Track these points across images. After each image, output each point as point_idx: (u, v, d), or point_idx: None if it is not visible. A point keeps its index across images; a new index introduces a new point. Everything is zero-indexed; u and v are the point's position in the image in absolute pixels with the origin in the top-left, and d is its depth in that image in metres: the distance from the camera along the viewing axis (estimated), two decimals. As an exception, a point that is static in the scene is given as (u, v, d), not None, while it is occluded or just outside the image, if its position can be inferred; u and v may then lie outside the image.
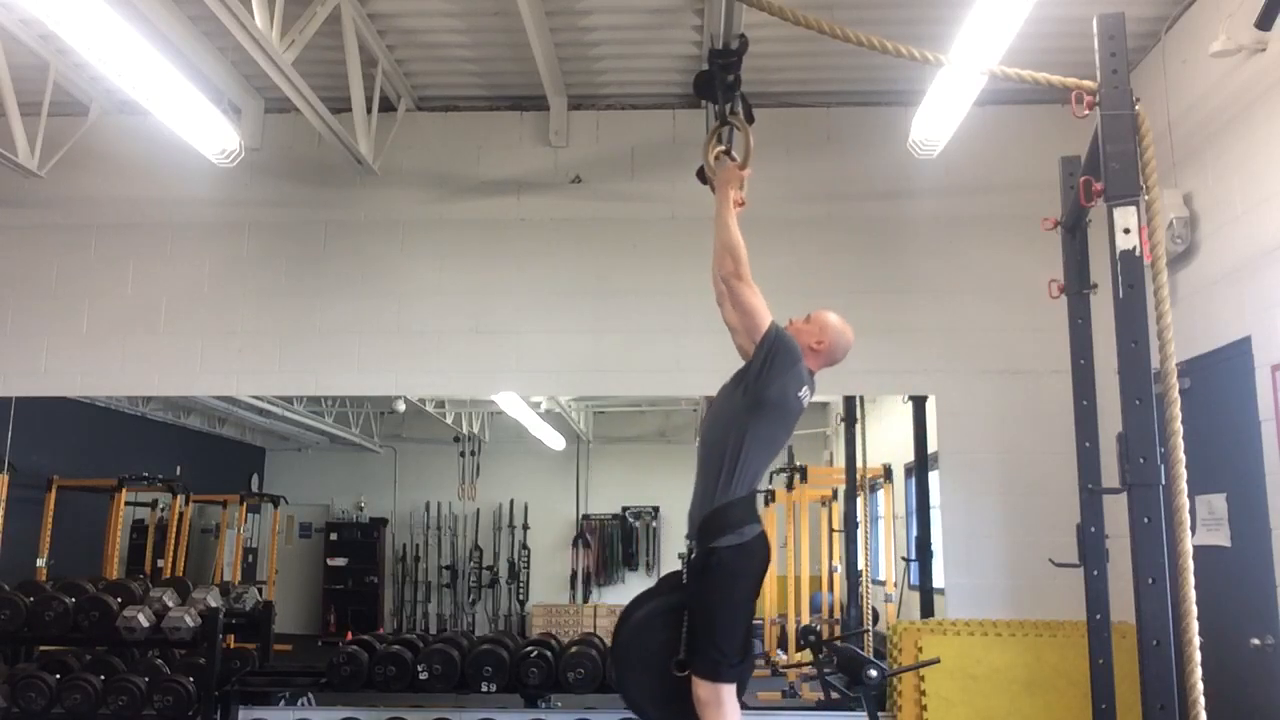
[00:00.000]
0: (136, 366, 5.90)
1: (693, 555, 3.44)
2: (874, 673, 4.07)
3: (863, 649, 5.73)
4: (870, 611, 6.88)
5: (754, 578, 3.42)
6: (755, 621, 3.48)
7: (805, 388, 3.46)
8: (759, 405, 3.35)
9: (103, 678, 4.96)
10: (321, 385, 6.02)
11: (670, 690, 3.41)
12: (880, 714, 4.47)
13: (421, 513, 9.57)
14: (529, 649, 4.94)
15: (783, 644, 7.52)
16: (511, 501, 9.42)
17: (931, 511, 5.99)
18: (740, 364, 3.55)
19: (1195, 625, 2.60)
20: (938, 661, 4.66)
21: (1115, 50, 2.86)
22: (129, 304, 5.96)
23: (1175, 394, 2.72)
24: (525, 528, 9.45)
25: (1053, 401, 4.76)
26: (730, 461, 3.35)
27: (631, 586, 8.74)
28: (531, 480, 9.36)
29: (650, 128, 5.98)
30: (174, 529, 7.84)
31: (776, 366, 3.35)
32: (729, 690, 3.32)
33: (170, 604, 5.08)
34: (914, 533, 6.32)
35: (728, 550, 3.33)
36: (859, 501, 7.05)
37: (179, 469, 8.10)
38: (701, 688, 3.32)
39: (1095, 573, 3.65)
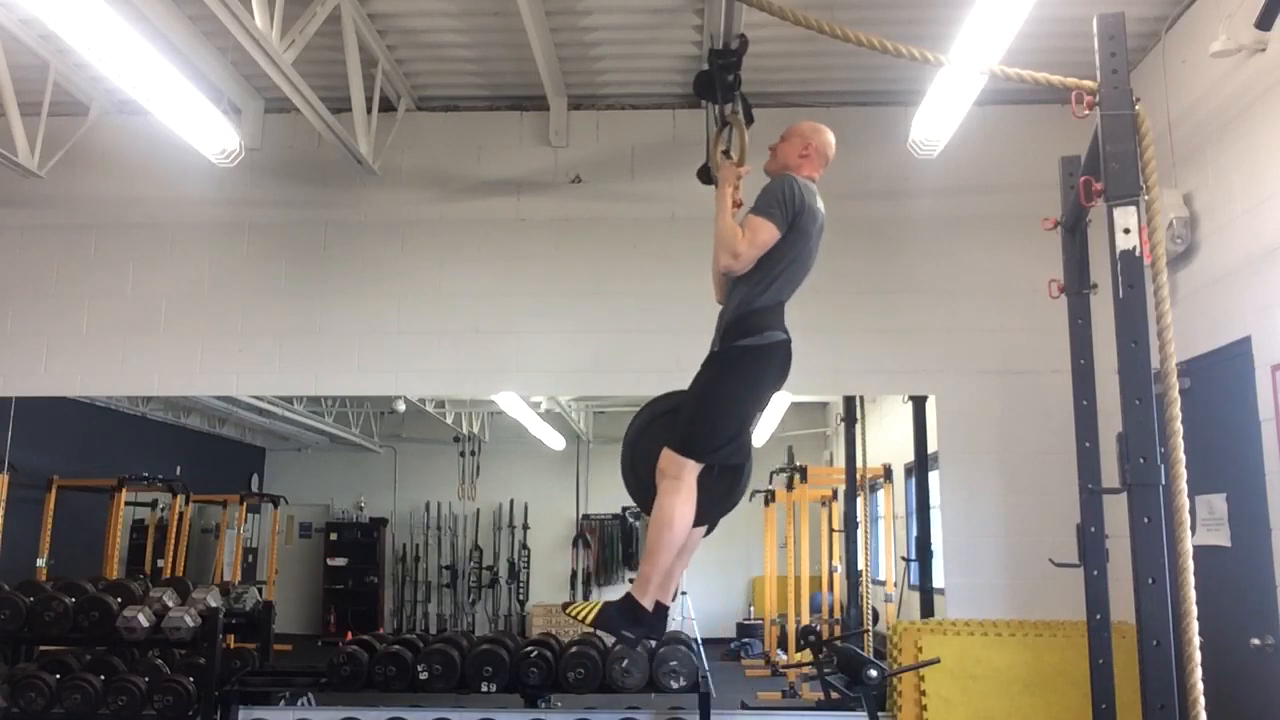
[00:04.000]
0: (136, 366, 5.90)
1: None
2: (874, 673, 4.08)
3: (863, 649, 5.74)
4: (870, 611, 6.88)
5: (763, 376, 3.39)
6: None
7: (816, 198, 3.46)
8: (792, 228, 3.35)
9: (103, 678, 4.96)
10: (321, 385, 6.02)
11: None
12: (880, 714, 4.47)
13: (421, 513, 9.57)
14: (529, 649, 4.93)
15: (783, 644, 7.53)
16: (511, 501, 9.43)
17: (931, 511, 5.99)
18: None
19: (1195, 625, 2.60)
20: (938, 661, 4.66)
21: (1115, 50, 2.86)
22: (129, 304, 5.96)
23: (1175, 394, 2.72)
24: (525, 528, 9.46)
25: (1053, 401, 4.76)
26: (761, 274, 3.36)
27: (631, 586, 8.72)
28: (531, 480, 9.36)
29: (650, 128, 5.99)
30: (174, 529, 7.85)
31: (794, 204, 3.35)
32: (690, 468, 3.29)
33: (170, 604, 5.08)
34: (914, 533, 6.32)
35: (744, 347, 3.33)
36: (859, 501, 7.05)
37: (179, 469, 8.10)
38: (666, 458, 3.30)
39: (1095, 573, 3.65)
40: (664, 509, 3.27)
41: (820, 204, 3.48)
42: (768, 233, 3.34)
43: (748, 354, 3.34)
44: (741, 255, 3.37)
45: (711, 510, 3.42)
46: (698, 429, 3.32)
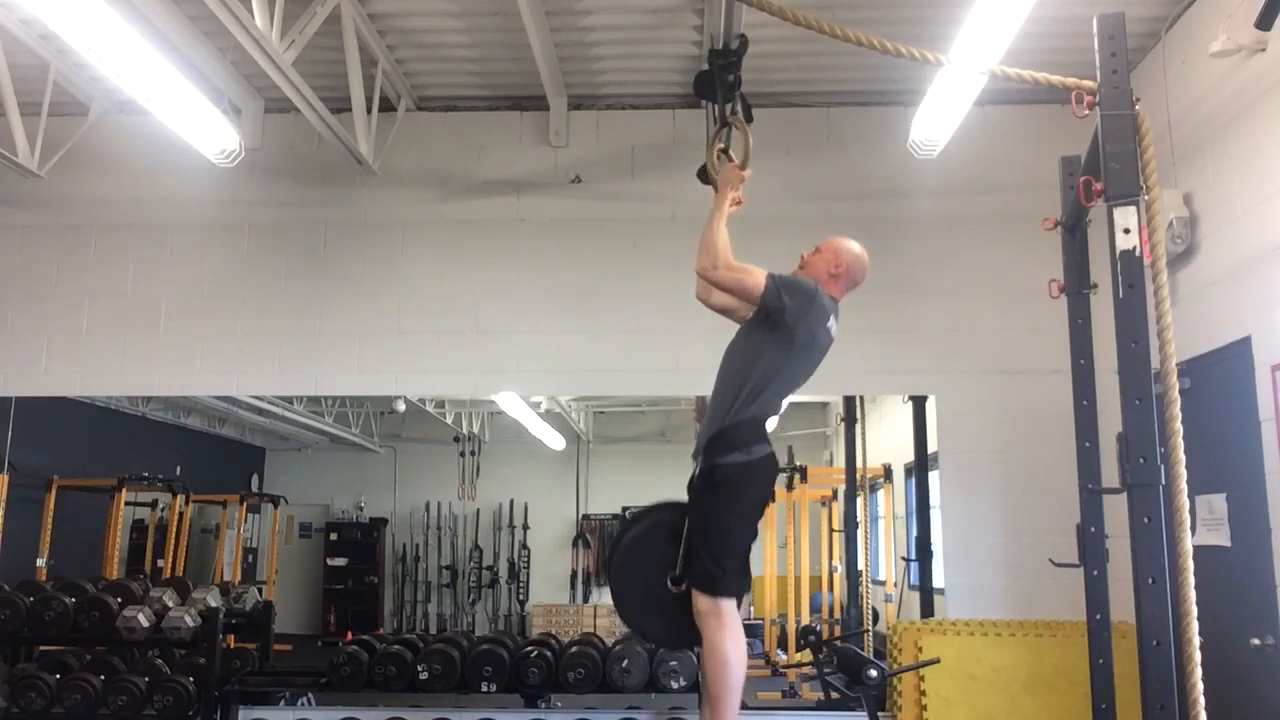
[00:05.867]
0: (136, 366, 5.90)
1: (697, 472, 3.43)
2: (874, 673, 4.07)
3: (863, 649, 5.74)
4: (870, 611, 6.89)
5: (757, 495, 3.40)
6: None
7: (831, 318, 3.44)
8: (787, 342, 3.33)
9: (103, 678, 4.95)
10: (321, 385, 6.02)
11: (666, 607, 3.41)
12: (880, 714, 4.46)
13: (421, 513, 9.58)
14: (529, 649, 4.93)
15: (783, 644, 7.53)
16: (511, 501, 9.43)
17: (931, 511, 5.99)
18: None
19: (1195, 625, 2.60)
20: (938, 661, 4.65)
21: (1115, 50, 2.86)
22: (129, 304, 5.96)
23: (1175, 394, 2.71)
24: (525, 528, 9.47)
25: (1053, 401, 4.76)
26: (747, 387, 3.33)
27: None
28: (531, 480, 9.37)
29: (650, 128, 5.98)
30: (174, 529, 7.85)
31: (797, 302, 3.31)
32: (728, 603, 3.30)
33: (170, 604, 5.08)
34: (914, 533, 6.33)
35: (732, 466, 3.31)
36: (859, 501, 7.06)
37: (179, 469, 8.11)
38: (700, 600, 3.30)
39: (1095, 573, 3.64)
40: (718, 651, 3.26)
41: (834, 326, 3.43)
42: (753, 284, 3.30)
43: (740, 473, 3.33)
44: (719, 272, 3.34)
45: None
46: (714, 566, 3.31)
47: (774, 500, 3.49)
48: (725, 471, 3.32)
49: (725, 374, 3.45)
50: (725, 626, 3.26)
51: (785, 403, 3.51)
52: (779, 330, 3.35)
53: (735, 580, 3.33)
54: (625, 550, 3.58)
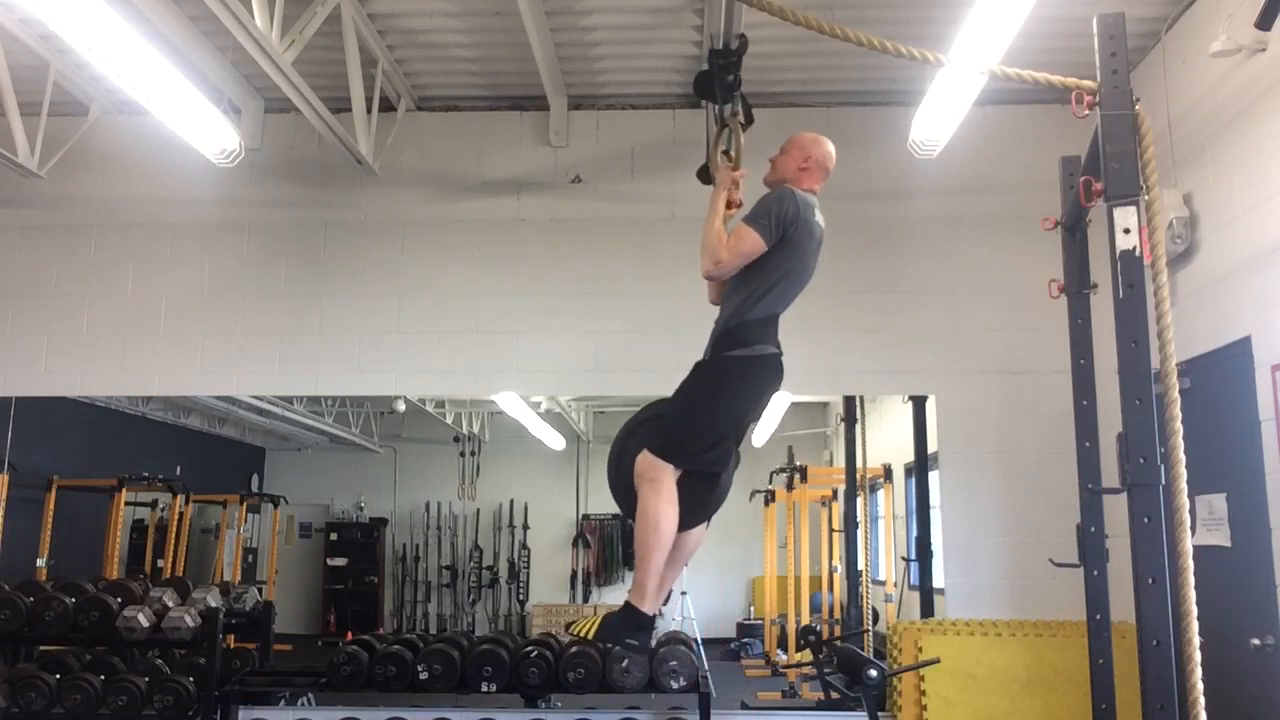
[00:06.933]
0: (136, 366, 5.91)
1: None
2: (874, 673, 4.08)
3: (863, 649, 5.74)
4: (870, 611, 6.88)
5: (752, 390, 3.39)
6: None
7: (815, 211, 3.43)
8: (782, 242, 3.33)
9: (103, 678, 4.95)
10: (321, 385, 6.02)
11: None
12: (880, 714, 4.47)
13: (421, 513, 9.57)
14: (529, 649, 4.93)
15: (783, 644, 7.52)
16: (511, 501, 9.42)
17: (931, 511, 5.99)
18: None
19: (1195, 625, 2.60)
20: (938, 661, 4.66)
21: (1115, 50, 2.86)
22: (129, 304, 5.96)
23: (1175, 394, 2.71)
24: (525, 528, 9.45)
25: (1053, 401, 4.76)
26: (753, 287, 3.34)
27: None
28: (531, 480, 9.35)
29: (650, 128, 5.99)
30: (174, 529, 7.84)
31: (789, 223, 3.32)
32: (668, 470, 3.29)
33: (170, 604, 5.08)
34: (914, 533, 6.32)
35: (731, 358, 3.32)
36: (859, 501, 7.05)
37: (179, 469, 8.10)
38: (643, 460, 3.32)
39: (1095, 573, 3.64)
40: (648, 512, 3.27)
41: (819, 218, 3.45)
42: (751, 243, 3.31)
43: (735, 365, 3.33)
44: (723, 262, 3.36)
45: (687, 517, 3.39)
46: (677, 434, 3.34)
47: (769, 400, 3.41)
48: (723, 361, 3.34)
49: (733, 280, 3.45)
50: (658, 492, 3.26)
51: (793, 302, 3.47)
52: (777, 235, 3.36)
53: (684, 449, 3.32)
54: (621, 437, 3.59)
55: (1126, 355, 2.75)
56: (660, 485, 3.28)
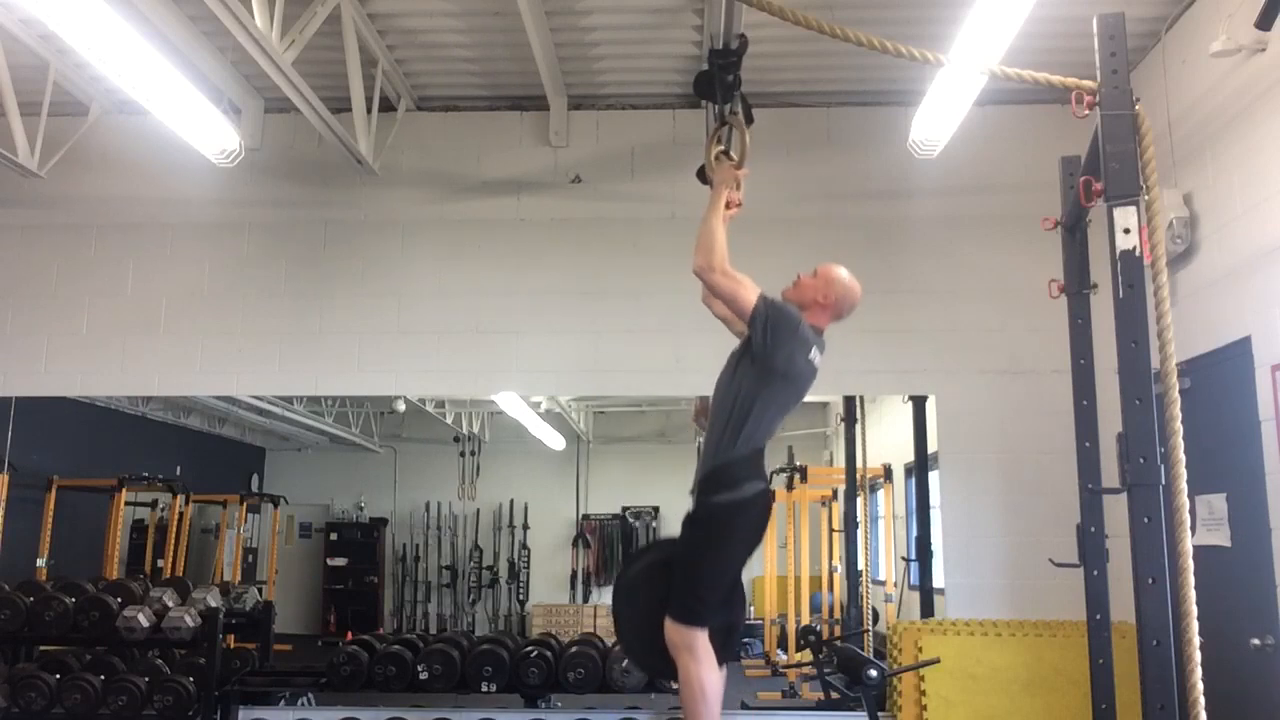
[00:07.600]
0: (136, 366, 5.90)
1: (690, 510, 3.47)
2: (874, 673, 4.08)
3: (863, 649, 5.74)
4: (870, 611, 6.88)
5: (748, 533, 3.43)
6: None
7: (814, 349, 3.45)
8: (767, 373, 3.35)
9: (103, 678, 4.95)
10: (321, 385, 6.02)
11: (659, 640, 3.45)
12: (880, 714, 4.47)
13: (421, 513, 9.57)
14: (529, 649, 4.93)
15: (783, 644, 7.52)
16: (511, 501, 9.42)
17: (931, 511, 5.99)
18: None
19: (1195, 625, 2.60)
20: (938, 661, 4.66)
21: (1115, 50, 2.86)
22: (129, 304, 5.96)
23: (1175, 394, 2.71)
24: (525, 528, 9.46)
25: (1053, 401, 4.76)
26: (735, 421, 3.35)
27: (631, 586, 8.72)
28: (531, 480, 9.36)
29: (650, 128, 5.98)
30: (174, 529, 7.85)
31: (778, 336, 3.33)
32: (701, 635, 3.34)
33: (170, 604, 5.08)
34: (914, 533, 6.32)
35: (721, 505, 3.35)
36: (859, 501, 7.05)
37: (179, 469, 8.10)
38: (673, 630, 3.35)
39: (1095, 573, 3.64)
40: (692, 682, 3.32)
41: (816, 358, 3.46)
42: (746, 296, 3.33)
43: (726, 514, 3.36)
44: (715, 276, 3.37)
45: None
46: (692, 597, 3.38)
47: (764, 534, 3.52)
48: (714, 510, 3.37)
49: (715, 409, 3.48)
50: (698, 660, 3.32)
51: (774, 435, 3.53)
52: (759, 359, 3.37)
53: (713, 612, 3.38)
54: (625, 588, 3.66)
55: (1126, 355, 2.75)
56: (697, 651, 3.33)
